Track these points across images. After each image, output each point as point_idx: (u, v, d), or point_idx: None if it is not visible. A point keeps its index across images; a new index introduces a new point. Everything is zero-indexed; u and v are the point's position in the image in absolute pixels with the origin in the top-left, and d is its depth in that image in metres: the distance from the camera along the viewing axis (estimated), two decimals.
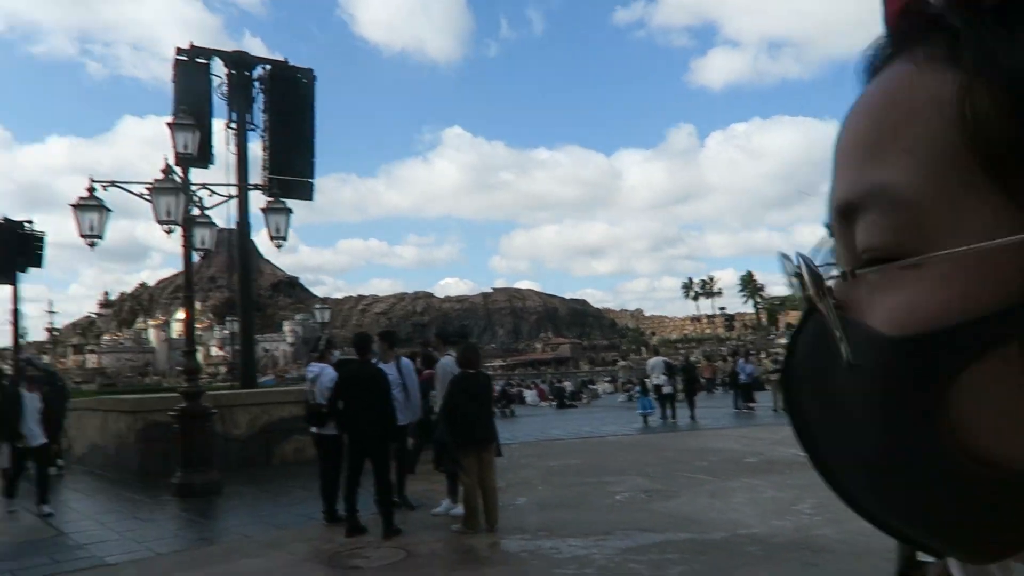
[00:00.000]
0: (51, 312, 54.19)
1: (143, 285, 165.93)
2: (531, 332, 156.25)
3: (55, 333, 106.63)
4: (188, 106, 11.96)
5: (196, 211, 9.22)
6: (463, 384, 6.67)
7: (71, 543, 7.23)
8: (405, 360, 8.30)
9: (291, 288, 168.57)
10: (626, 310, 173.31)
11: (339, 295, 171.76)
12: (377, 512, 6.76)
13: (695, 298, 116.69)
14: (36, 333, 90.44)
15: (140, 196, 9.01)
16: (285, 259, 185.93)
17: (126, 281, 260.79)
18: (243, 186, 11.82)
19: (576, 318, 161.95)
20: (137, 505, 8.94)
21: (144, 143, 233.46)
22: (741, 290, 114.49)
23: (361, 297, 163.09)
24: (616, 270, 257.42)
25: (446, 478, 7.58)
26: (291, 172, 12.02)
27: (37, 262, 22.48)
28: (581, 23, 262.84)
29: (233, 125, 12.08)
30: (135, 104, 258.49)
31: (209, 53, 12.17)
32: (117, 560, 6.49)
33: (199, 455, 9.10)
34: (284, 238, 9.91)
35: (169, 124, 8.91)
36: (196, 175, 9.73)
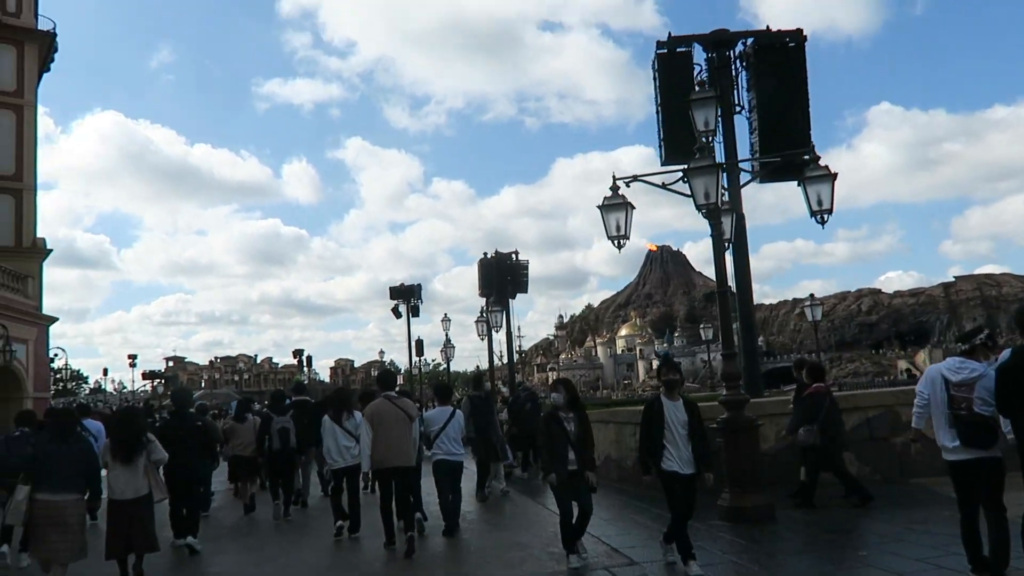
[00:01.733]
0: (519, 336, 62.27)
1: (589, 306, 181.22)
2: (1011, 324, 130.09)
3: (522, 354, 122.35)
4: (668, 102, 11.43)
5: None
6: None
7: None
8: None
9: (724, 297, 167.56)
10: None
11: (768, 301, 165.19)
12: None
13: None
14: (484, 362, 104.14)
15: (663, 186, 8.54)
16: (708, 270, 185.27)
17: (571, 305, 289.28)
18: (735, 173, 10.73)
19: None
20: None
21: (575, 179, 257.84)
22: None
23: (797, 300, 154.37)
24: None
25: None
26: (785, 147, 10.47)
27: (524, 288, 24.86)
28: None
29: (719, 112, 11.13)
30: (565, 147, 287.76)
31: (689, 40, 11.47)
32: None
33: (747, 473, 8.03)
34: (830, 211, 8.41)
35: (690, 100, 8.14)
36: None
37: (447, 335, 34.88)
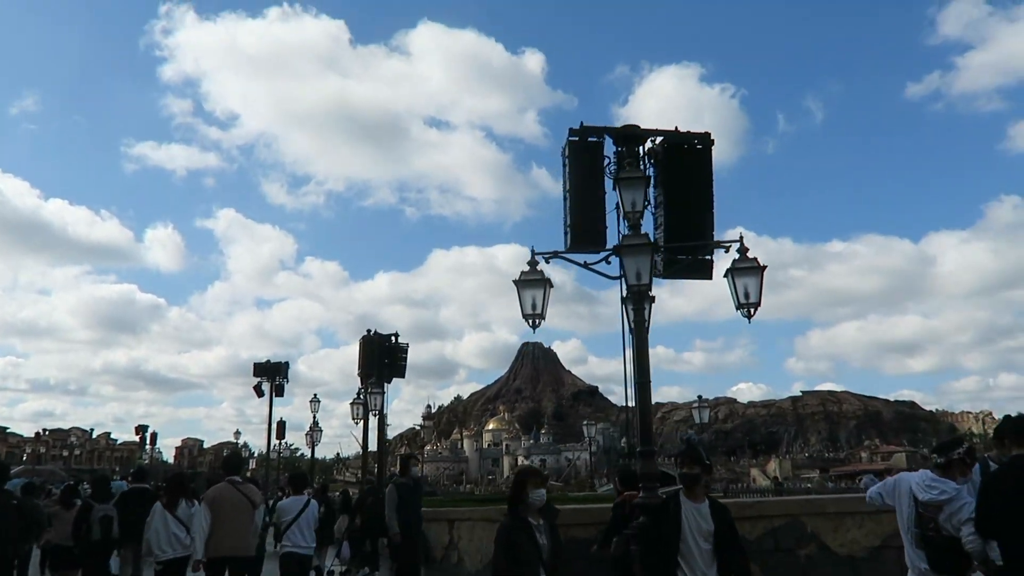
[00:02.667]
0: (387, 424, 60.00)
1: (458, 398, 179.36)
2: (850, 439, 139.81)
3: (387, 444, 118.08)
4: (578, 188, 11.21)
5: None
6: None
7: None
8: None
9: (591, 397, 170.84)
10: (969, 412, 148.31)
11: (631, 403, 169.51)
12: None
13: None
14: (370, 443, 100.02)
15: (584, 265, 8.15)
16: (576, 369, 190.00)
17: (438, 396, 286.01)
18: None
19: (904, 423, 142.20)
20: None
21: (449, 271, 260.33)
22: None
23: (659, 405, 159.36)
24: (936, 367, 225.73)
25: None
26: (687, 249, 10.35)
27: (401, 372, 23.67)
28: (866, 106, 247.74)
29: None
30: (442, 238, 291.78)
31: (600, 132, 11.32)
32: None
33: None
34: (757, 304, 8.16)
35: (619, 179, 7.80)
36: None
37: (315, 417, 32.81)
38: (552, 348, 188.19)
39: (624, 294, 10.28)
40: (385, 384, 22.30)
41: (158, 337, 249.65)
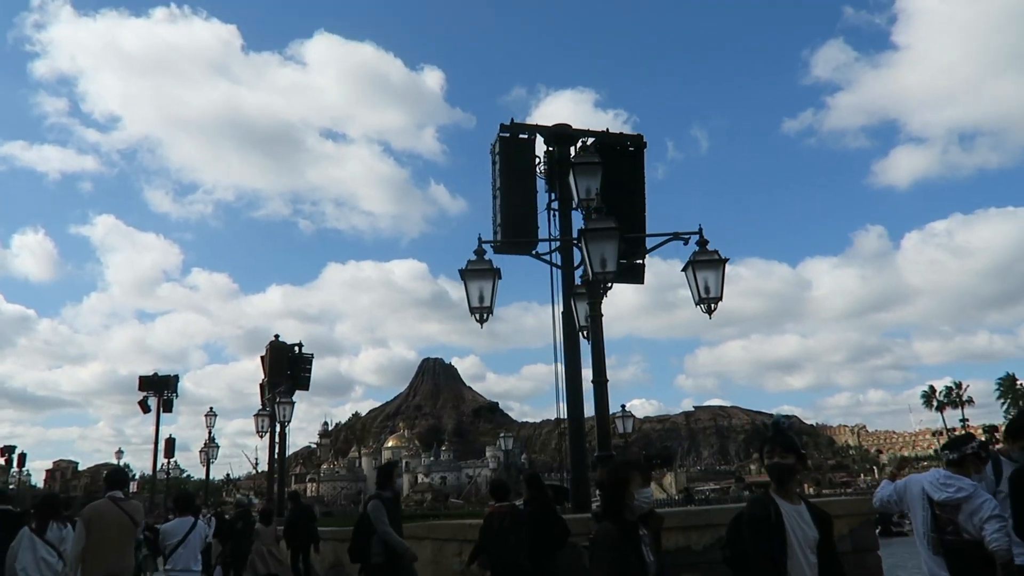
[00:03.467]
0: (286, 438, 57.27)
1: (356, 415, 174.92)
2: (739, 452, 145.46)
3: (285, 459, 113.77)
4: (509, 183, 10.79)
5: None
6: None
7: None
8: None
9: (491, 413, 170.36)
10: (844, 426, 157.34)
11: (530, 420, 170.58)
12: None
13: (939, 408, 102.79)
14: (262, 463, 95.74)
15: (535, 255, 7.60)
16: (476, 386, 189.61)
17: (334, 413, 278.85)
18: (568, 270, 10.20)
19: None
20: None
21: (344, 286, 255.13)
22: (999, 397, 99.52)
23: (559, 420, 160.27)
24: (813, 384, 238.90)
25: None
26: (622, 248, 10.16)
27: (305, 384, 22.41)
28: (747, 138, 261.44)
29: (555, 206, 10.66)
30: (337, 252, 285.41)
31: (531, 129, 11.01)
32: None
33: None
34: (718, 298, 7.83)
35: (574, 163, 7.36)
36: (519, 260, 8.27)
37: (211, 431, 30.84)
38: (453, 364, 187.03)
39: (562, 289, 9.92)
40: (283, 398, 21.09)
41: (26, 351, 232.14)
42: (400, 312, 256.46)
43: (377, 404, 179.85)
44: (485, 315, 7.69)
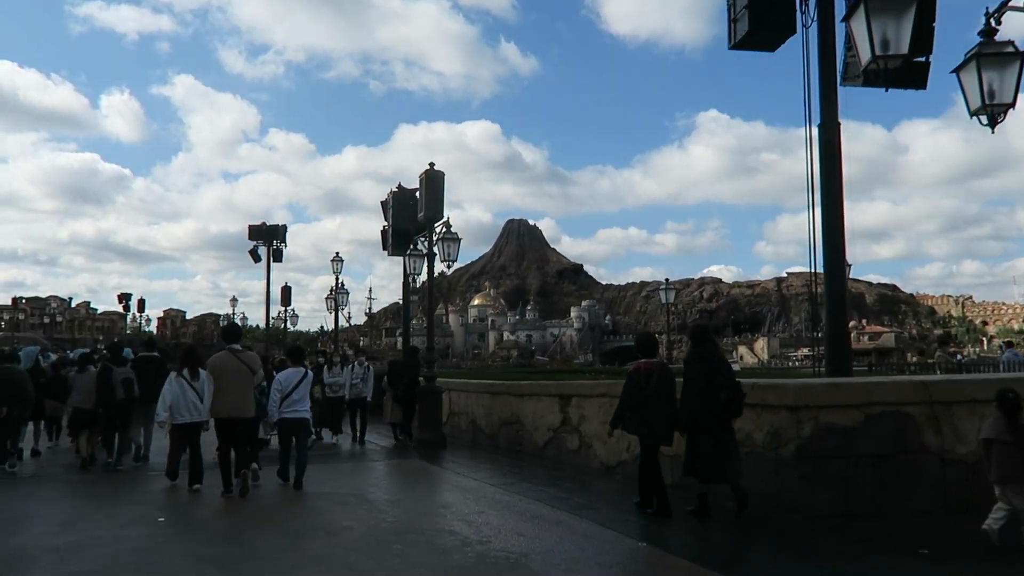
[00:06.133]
0: (370, 299, 58.32)
1: (442, 274, 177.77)
2: None
3: (372, 318, 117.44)
4: None
5: None
6: None
7: None
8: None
9: (575, 275, 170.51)
10: (948, 296, 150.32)
11: (605, 283, 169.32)
12: None
13: None
14: (357, 318, 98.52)
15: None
16: (559, 246, 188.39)
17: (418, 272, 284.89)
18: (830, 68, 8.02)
19: (886, 305, 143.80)
20: None
21: (417, 147, 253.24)
22: None
23: (644, 284, 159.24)
24: (903, 253, 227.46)
25: None
26: (900, 51, 7.63)
27: (422, 229, 21.30)
28: None
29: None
30: (409, 114, 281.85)
31: None
32: None
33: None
34: (1010, 105, 5.75)
35: None
36: None
37: (338, 276, 30.90)
38: (536, 225, 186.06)
39: (820, 98, 7.80)
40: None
41: (124, 208, 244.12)
42: (474, 174, 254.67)
43: (460, 264, 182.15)
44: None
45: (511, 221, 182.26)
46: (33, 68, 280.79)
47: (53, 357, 17.25)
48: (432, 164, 14.38)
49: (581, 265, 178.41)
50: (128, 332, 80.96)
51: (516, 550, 5.84)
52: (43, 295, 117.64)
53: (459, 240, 18.72)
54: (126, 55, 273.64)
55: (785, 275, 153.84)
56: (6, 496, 9.17)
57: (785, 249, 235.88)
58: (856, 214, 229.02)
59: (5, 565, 5.82)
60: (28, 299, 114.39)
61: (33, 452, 12.46)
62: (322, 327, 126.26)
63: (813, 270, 8.02)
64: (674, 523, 6.64)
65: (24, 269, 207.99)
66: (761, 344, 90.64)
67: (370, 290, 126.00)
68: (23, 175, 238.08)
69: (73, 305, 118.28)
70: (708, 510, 6.60)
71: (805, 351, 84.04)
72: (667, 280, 42.77)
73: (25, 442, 12.04)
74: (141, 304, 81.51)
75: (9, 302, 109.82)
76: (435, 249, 14.81)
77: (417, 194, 18.95)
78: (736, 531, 6.43)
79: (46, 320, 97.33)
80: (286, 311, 39.38)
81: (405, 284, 19.09)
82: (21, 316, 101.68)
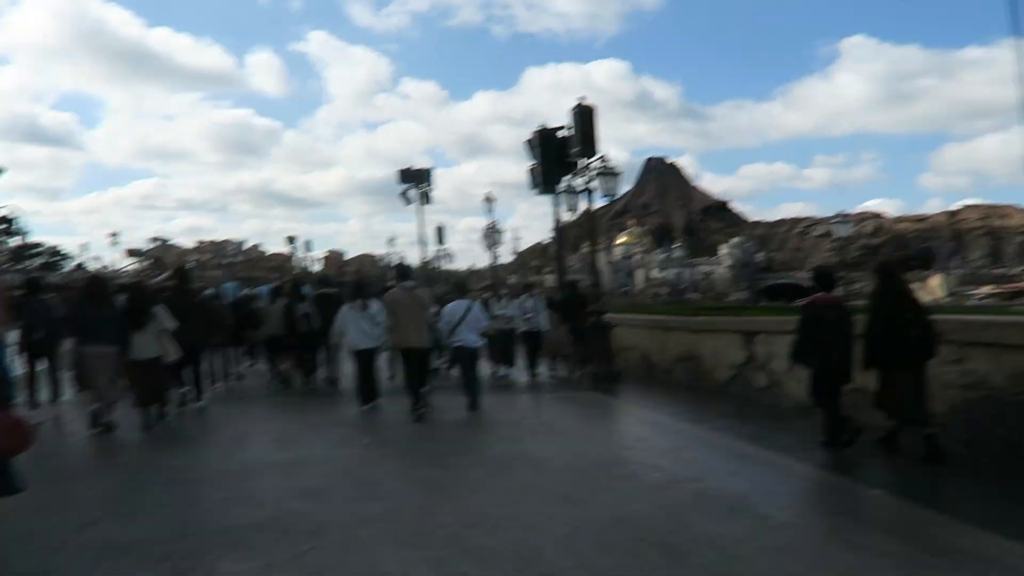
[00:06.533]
0: (517, 238, 59.23)
1: (586, 211, 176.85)
2: (1019, 256, 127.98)
3: (520, 256, 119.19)
4: None
5: None
6: None
7: None
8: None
9: (721, 212, 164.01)
10: None
11: (754, 220, 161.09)
12: None
13: None
14: (503, 257, 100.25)
15: None
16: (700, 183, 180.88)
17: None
18: None
19: None
20: None
21: (546, 89, 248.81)
22: None
23: (797, 220, 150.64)
24: None
25: None
26: None
27: (572, 168, 21.02)
28: None
29: None
30: (534, 56, 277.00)
31: None
32: None
33: None
34: None
35: None
36: None
37: (492, 214, 31.77)
38: (676, 163, 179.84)
39: None
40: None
41: (279, 159, 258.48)
42: (605, 114, 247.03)
43: (599, 203, 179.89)
44: None
45: (651, 159, 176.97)
46: (186, 32, 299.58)
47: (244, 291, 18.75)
48: (582, 99, 14.04)
49: (726, 202, 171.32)
50: (297, 272, 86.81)
51: (734, 490, 5.61)
52: (218, 239, 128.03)
53: (619, 174, 18.37)
54: (263, 15, 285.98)
55: (959, 207, 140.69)
56: (227, 413, 10.12)
57: (955, 180, 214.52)
58: None
59: (243, 475, 6.32)
60: (210, 242, 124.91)
61: (238, 376, 13.66)
62: (472, 266, 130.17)
63: None
64: (894, 466, 6.19)
65: (202, 216, 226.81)
66: (937, 280, 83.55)
67: (515, 230, 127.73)
68: (189, 131, 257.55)
69: (245, 248, 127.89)
70: (897, 446, 6.46)
71: (987, 288, 76.60)
72: (842, 214, 39.66)
73: (231, 366, 13.42)
74: (307, 245, 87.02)
75: (193, 245, 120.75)
76: (592, 184, 14.61)
77: (562, 132, 18.70)
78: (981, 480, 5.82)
79: (224, 261, 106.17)
80: (441, 250, 40.60)
81: (556, 221, 19.08)
82: (205, 257, 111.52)
